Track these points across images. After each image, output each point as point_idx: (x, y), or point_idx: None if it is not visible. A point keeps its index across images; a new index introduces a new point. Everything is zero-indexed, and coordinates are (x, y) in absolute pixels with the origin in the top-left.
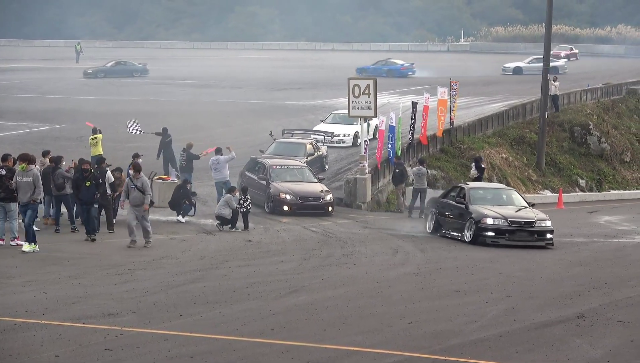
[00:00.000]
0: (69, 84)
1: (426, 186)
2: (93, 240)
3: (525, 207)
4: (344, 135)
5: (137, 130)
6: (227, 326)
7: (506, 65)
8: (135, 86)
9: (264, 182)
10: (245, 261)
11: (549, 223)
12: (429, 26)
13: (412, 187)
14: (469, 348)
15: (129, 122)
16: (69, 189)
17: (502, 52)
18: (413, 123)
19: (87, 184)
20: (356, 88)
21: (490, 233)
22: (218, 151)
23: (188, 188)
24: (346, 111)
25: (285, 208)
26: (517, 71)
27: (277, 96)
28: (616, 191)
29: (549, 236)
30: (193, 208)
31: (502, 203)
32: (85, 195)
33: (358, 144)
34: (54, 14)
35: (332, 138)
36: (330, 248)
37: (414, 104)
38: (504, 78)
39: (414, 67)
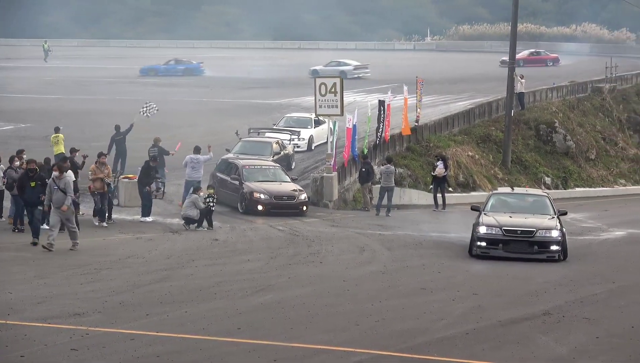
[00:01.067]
0: (35, 84)
1: (393, 184)
2: (34, 244)
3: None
4: (299, 139)
5: (148, 113)
6: (194, 325)
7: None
8: (102, 85)
9: (236, 182)
10: (212, 261)
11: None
12: (396, 25)
13: (379, 185)
14: (435, 346)
15: (145, 106)
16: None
17: (469, 51)
18: (381, 121)
19: (32, 184)
20: (322, 87)
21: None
22: (197, 150)
23: (155, 167)
24: (300, 114)
25: (260, 207)
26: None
27: (243, 95)
28: (582, 189)
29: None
30: (163, 186)
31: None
32: (30, 196)
33: (313, 148)
34: (18, 13)
35: (298, 136)
36: (297, 247)
37: (381, 103)
38: (471, 76)
39: (202, 67)
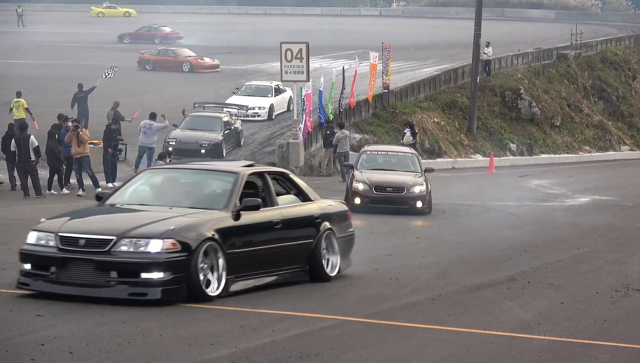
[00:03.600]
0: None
1: (348, 149)
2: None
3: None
4: (259, 108)
5: (110, 75)
6: None
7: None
8: (67, 50)
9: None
10: None
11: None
12: None
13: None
14: (401, 312)
15: (108, 70)
16: None
17: (435, 17)
18: (343, 88)
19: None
20: (288, 52)
21: None
22: (152, 116)
23: (117, 129)
24: (260, 82)
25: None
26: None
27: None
28: (547, 155)
29: None
30: (124, 146)
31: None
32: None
33: (273, 117)
34: None
35: (246, 111)
36: None
37: (343, 70)
38: (437, 43)
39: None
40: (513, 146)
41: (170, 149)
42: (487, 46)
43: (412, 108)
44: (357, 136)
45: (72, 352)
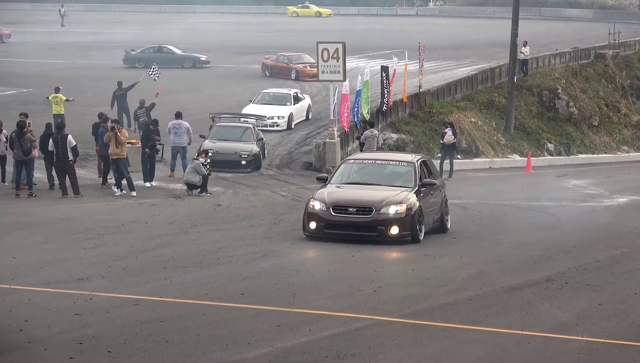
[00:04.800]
0: (43, 49)
1: (375, 149)
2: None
3: None
4: (278, 117)
5: (155, 75)
6: (197, 291)
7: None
8: (107, 51)
9: None
10: (215, 226)
11: None
12: None
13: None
14: (438, 312)
15: (152, 69)
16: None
17: (471, 16)
18: (385, 87)
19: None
20: (325, 52)
21: None
22: (178, 115)
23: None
24: (278, 90)
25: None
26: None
27: (245, 60)
28: (584, 155)
29: None
30: (162, 147)
31: None
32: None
33: (292, 127)
34: None
35: (266, 121)
36: (300, 213)
37: (384, 68)
38: (474, 42)
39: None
40: (550, 146)
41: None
42: (524, 45)
43: (449, 108)
44: (394, 136)
45: (110, 350)
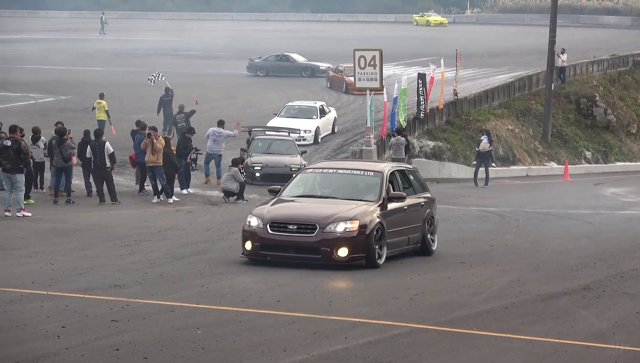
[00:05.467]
0: (83, 56)
1: (404, 156)
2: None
3: None
4: (305, 131)
5: (159, 79)
6: (233, 298)
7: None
8: (147, 58)
9: None
10: None
11: None
12: None
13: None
14: (474, 320)
15: (154, 74)
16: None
17: (509, 24)
18: (421, 95)
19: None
20: (362, 60)
21: None
22: (220, 123)
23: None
24: (303, 103)
25: None
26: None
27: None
28: (622, 163)
29: None
30: (197, 155)
31: None
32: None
33: (319, 141)
34: None
35: (298, 134)
36: None
37: (421, 76)
38: (511, 49)
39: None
40: (588, 154)
41: (257, 171)
42: (562, 53)
43: (485, 115)
44: (431, 144)
45: (147, 356)
